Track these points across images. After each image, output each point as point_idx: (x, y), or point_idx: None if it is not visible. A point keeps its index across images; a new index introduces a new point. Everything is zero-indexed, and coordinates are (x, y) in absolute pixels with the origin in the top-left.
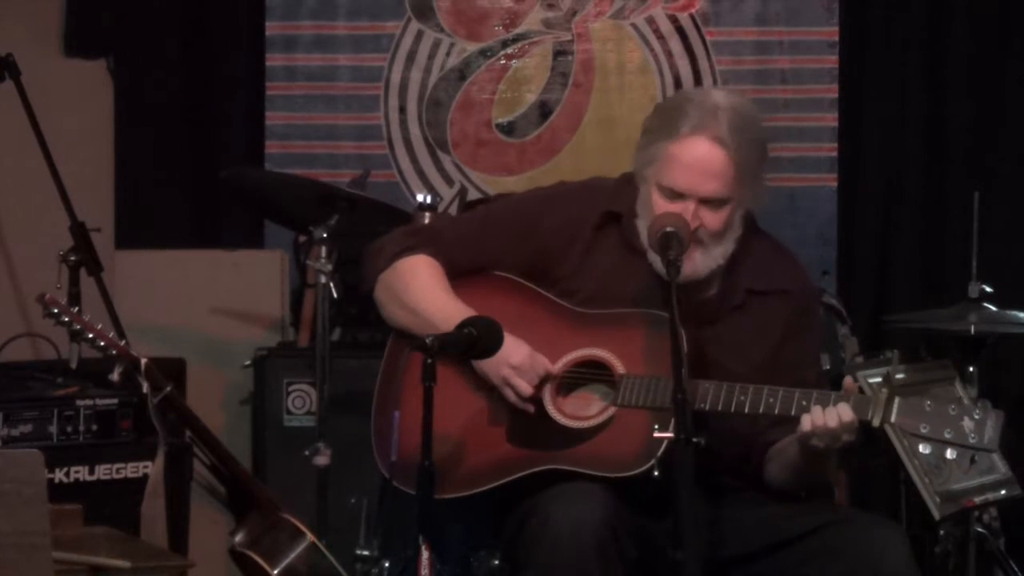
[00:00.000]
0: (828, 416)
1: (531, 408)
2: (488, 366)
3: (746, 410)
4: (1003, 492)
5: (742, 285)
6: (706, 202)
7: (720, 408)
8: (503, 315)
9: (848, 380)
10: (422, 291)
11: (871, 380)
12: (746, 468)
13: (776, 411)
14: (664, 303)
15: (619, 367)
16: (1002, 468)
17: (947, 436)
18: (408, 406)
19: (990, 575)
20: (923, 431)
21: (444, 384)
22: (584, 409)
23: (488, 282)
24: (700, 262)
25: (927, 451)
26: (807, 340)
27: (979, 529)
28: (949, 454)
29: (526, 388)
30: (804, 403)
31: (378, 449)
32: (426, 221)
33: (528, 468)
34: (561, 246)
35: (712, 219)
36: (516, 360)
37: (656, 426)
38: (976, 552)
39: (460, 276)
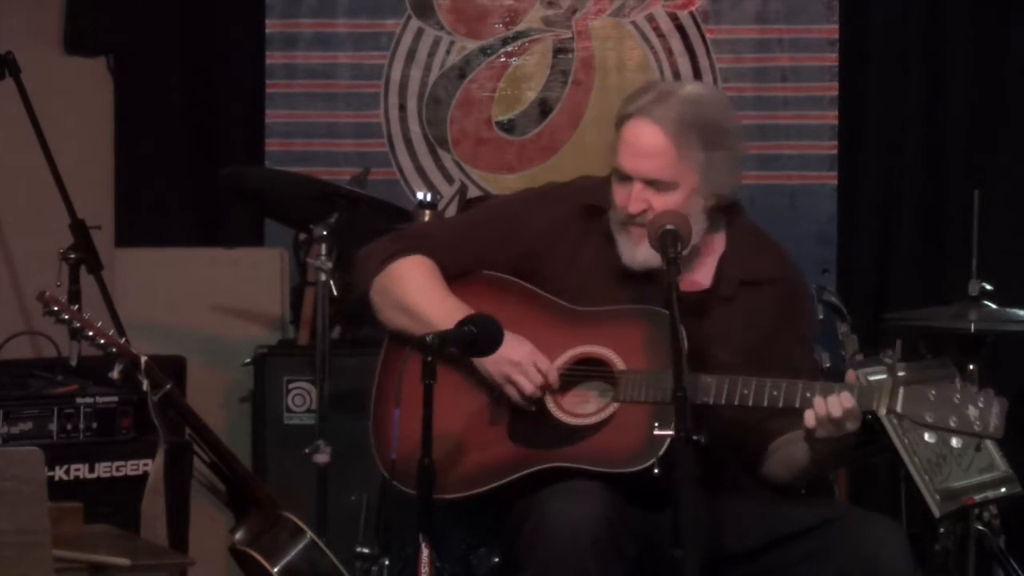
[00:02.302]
0: (831, 404)
1: (532, 406)
2: (490, 364)
3: (750, 403)
4: (1003, 490)
5: (735, 277)
6: (651, 184)
7: (723, 401)
8: (500, 314)
9: (851, 372)
10: (418, 292)
11: (872, 378)
12: (742, 456)
13: (780, 404)
14: (634, 294)
15: (618, 363)
16: (1002, 466)
17: (952, 424)
18: (406, 406)
19: (990, 573)
20: (928, 419)
21: (443, 383)
22: (582, 406)
23: (482, 282)
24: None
25: (932, 440)
26: (798, 329)
27: (979, 527)
28: (955, 442)
29: (529, 386)
30: (808, 395)
31: (378, 450)
32: (425, 219)
33: (530, 466)
34: (547, 246)
35: (661, 204)
36: (518, 357)
37: (656, 424)
38: (976, 550)
39: (450, 278)
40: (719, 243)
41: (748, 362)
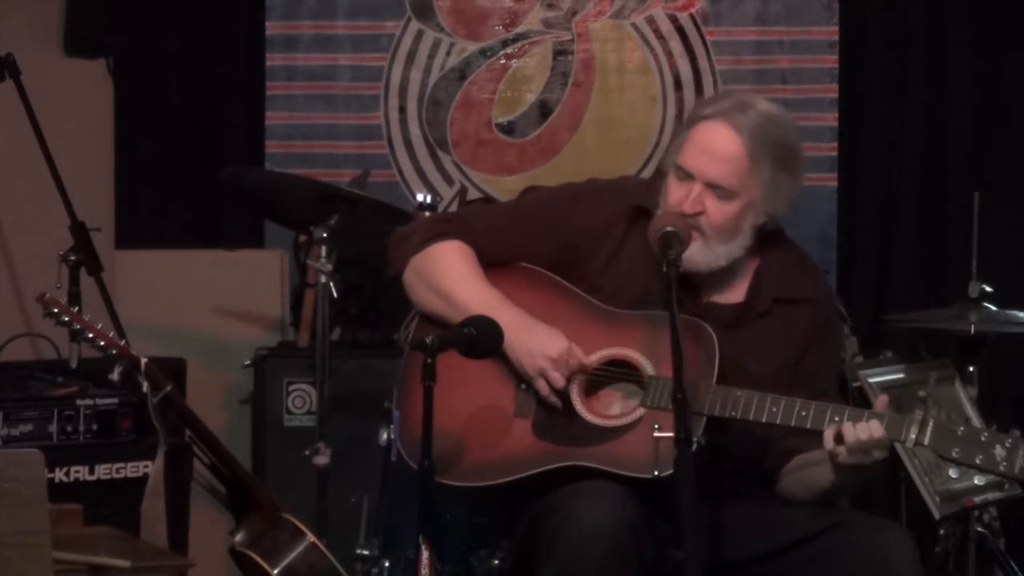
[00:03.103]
0: (859, 431)
1: (559, 402)
2: (524, 356)
3: (778, 421)
4: (1003, 492)
5: (769, 293)
6: (713, 188)
7: (752, 417)
8: (535, 307)
9: (881, 399)
10: (456, 277)
11: (871, 380)
12: (758, 470)
13: (808, 425)
14: (689, 295)
15: (648, 369)
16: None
17: (978, 462)
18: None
19: (990, 574)
20: (955, 455)
21: (474, 370)
22: (606, 408)
23: (518, 273)
24: (696, 254)
25: (956, 475)
26: (828, 350)
27: (979, 528)
28: (977, 480)
29: (561, 381)
30: (836, 419)
31: (403, 437)
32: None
33: (553, 462)
34: (590, 243)
35: (717, 210)
36: (554, 352)
37: (657, 426)
38: (976, 552)
39: (487, 267)
40: (756, 261)
41: (777, 377)
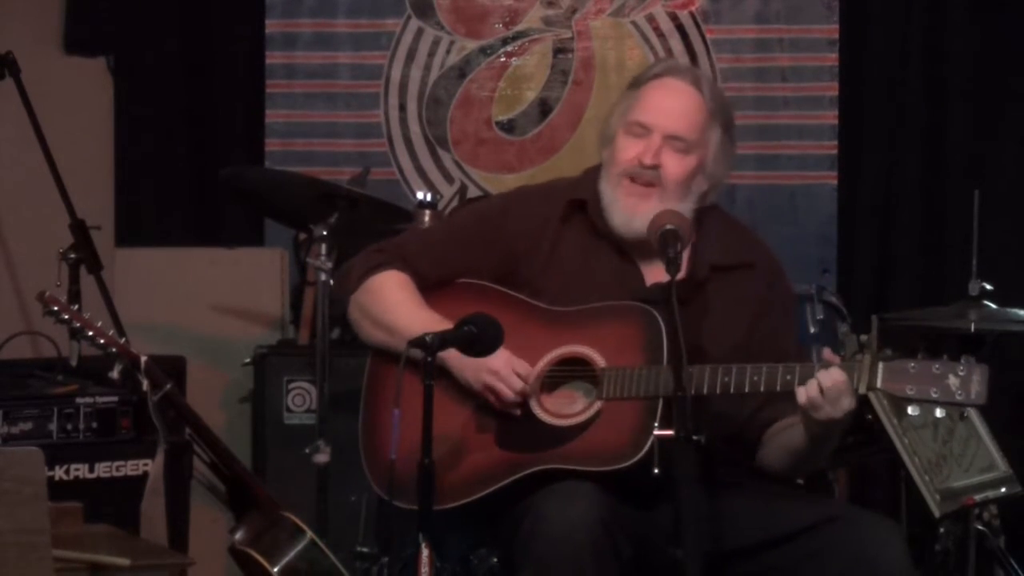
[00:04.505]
0: (822, 379)
1: (517, 411)
2: (469, 374)
3: (731, 390)
4: (1003, 490)
5: (706, 262)
6: (672, 141)
7: (705, 391)
8: None
9: (827, 351)
10: (395, 307)
11: None
12: (737, 449)
13: (762, 388)
14: (634, 280)
15: (599, 361)
16: (1002, 466)
17: (933, 395)
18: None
19: (990, 573)
20: (909, 393)
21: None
22: (569, 406)
23: (459, 291)
24: (655, 209)
25: (915, 412)
26: (780, 312)
27: (979, 527)
28: (938, 412)
29: (508, 393)
30: (788, 377)
31: (369, 468)
32: (426, 219)
33: (520, 471)
34: (527, 247)
35: (675, 163)
36: (497, 365)
37: (656, 424)
38: (976, 550)
39: (430, 287)
40: (695, 237)
41: (735, 353)
